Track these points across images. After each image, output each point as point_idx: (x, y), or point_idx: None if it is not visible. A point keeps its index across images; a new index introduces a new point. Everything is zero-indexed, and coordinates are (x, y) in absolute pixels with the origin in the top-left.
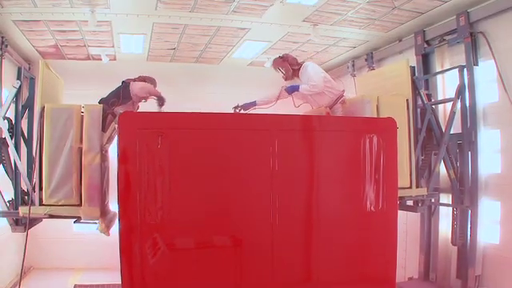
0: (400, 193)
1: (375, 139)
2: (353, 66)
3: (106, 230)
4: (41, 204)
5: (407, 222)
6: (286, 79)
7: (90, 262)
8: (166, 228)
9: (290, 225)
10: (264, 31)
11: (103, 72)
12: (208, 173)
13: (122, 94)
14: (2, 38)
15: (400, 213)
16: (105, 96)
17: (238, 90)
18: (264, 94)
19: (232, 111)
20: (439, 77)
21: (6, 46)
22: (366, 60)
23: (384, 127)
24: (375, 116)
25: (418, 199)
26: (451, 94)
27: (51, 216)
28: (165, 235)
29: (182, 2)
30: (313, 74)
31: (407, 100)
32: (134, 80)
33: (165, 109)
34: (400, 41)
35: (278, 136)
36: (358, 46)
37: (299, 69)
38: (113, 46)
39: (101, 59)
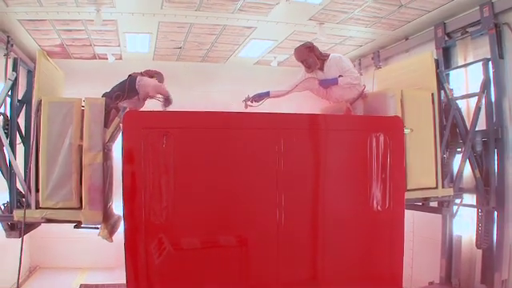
0: (425, 193)
1: (382, 138)
2: (359, 64)
3: (109, 236)
4: (37, 207)
5: (414, 222)
6: (310, 72)
7: (96, 261)
8: (172, 228)
9: (296, 224)
10: (270, 30)
11: (109, 71)
12: (213, 172)
13: (127, 87)
14: (8, 37)
15: (407, 212)
16: (109, 91)
17: (245, 88)
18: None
19: (242, 104)
20: (460, 71)
21: (12, 45)
22: (372, 59)
23: (391, 126)
24: (399, 112)
25: (444, 200)
26: (474, 88)
27: (49, 220)
28: (170, 235)
29: (188, 1)
30: (351, 66)
31: (432, 94)
32: (142, 74)
33: (169, 109)
34: (407, 39)
35: (284, 135)
36: (364, 44)
37: (323, 60)
38: (119, 45)
39: (107, 58)
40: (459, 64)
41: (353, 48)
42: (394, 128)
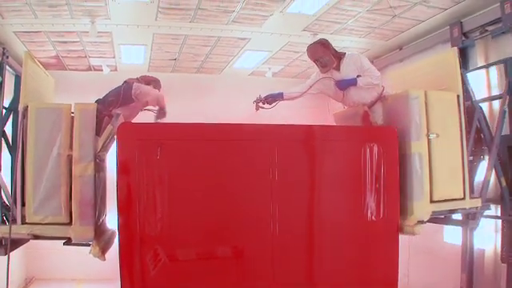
0: (453, 205)
1: (376, 149)
2: None
3: (101, 254)
4: (23, 222)
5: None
6: (325, 71)
7: (92, 272)
8: (166, 239)
9: (290, 235)
10: (264, 41)
11: (104, 82)
12: (208, 183)
13: (122, 94)
14: (3, 49)
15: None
16: (102, 97)
17: (240, 100)
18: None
19: (253, 105)
20: (479, 72)
21: (7, 57)
22: None
23: (385, 136)
24: (424, 115)
25: (471, 212)
26: (494, 91)
27: (36, 237)
28: (165, 246)
29: (182, 13)
30: (371, 66)
31: (458, 96)
32: (138, 80)
33: (162, 121)
34: (401, 49)
35: (278, 146)
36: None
37: (339, 59)
38: (114, 57)
39: (102, 70)
40: (479, 65)
41: None
42: (387, 138)
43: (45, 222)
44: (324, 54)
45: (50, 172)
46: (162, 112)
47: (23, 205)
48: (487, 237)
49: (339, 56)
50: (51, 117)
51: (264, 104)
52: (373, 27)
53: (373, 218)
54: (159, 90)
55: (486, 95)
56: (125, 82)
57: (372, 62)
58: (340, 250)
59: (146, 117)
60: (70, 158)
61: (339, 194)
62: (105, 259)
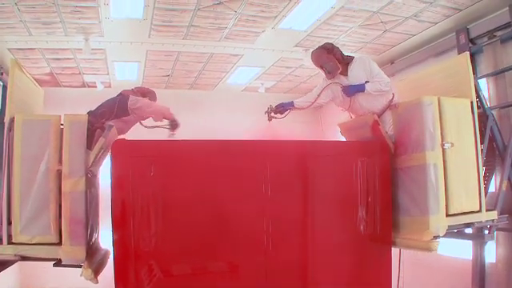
0: (468, 218)
1: (368, 163)
2: None
3: (94, 276)
4: (9, 242)
5: None
6: (331, 77)
7: (88, 283)
8: (161, 254)
9: (283, 250)
10: (257, 57)
11: (98, 99)
12: (201, 199)
13: (117, 107)
14: (1, 68)
15: None
16: (94, 109)
17: (233, 115)
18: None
19: (265, 116)
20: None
21: (2, 73)
22: None
23: (377, 150)
24: (438, 123)
25: (486, 225)
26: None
27: (23, 258)
28: (159, 262)
29: (175, 30)
30: (380, 71)
31: (471, 103)
32: (134, 91)
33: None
34: (392, 63)
35: (271, 162)
36: None
37: (347, 64)
38: (107, 74)
39: (96, 86)
40: (489, 71)
41: None
42: (379, 152)
43: (33, 242)
44: (328, 60)
45: (37, 188)
46: (173, 124)
47: (9, 223)
48: (498, 249)
49: (347, 60)
50: (39, 129)
51: (276, 114)
52: (364, 42)
53: (365, 232)
54: (155, 101)
55: (495, 102)
56: (120, 94)
57: None
58: (333, 264)
59: (138, 131)
60: (59, 173)
61: (332, 209)
62: (97, 282)
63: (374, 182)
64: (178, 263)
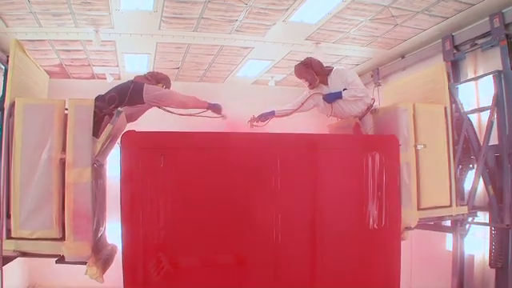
0: (439, 212)
1: (378, 157)
2: None
3: (100, 274)
4: (9, 237)
5: (412, 240)
6: (311, 88)
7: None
8: (170, 247)
9: (293, 243)
10: (267, 50)
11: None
12: (211, 191)
13: (130, 94)
14: (7, 56)
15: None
16: (104, 93)
17: (243, 108)
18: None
19: (248, 125)
20: (469, 84)
21: None
22: (372, 76)
23: (387, 144)
24: (412, 126)
25: (458, 219)
26: (484, 103)
27: (24, 254)
28: (168, 254)
29: (185, 22)
30: (356, 78)
31: (445, 108)
32: (147, 78)
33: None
34: (403, 57)
35: (281, 154)
36: (361, 63)
37: (327, 75)
38: (117, 66)
39: (105, 78)
40: (470, 77)
41: (350, 67)
42: (389, 146)
43: (33, 236)
44: (307, 74)
45: (39, 179)
46: (215, 108)
47: (8, 217)
48: (477, 243)
49: (326, 72)
50: (41, 114)
51: (258, 123)
52: (375, 36)
53: (375, 225)
54: (169, 87)
55: (475, 107)
56: (133, 82)
57: (378, 70)
58: (342, 257)
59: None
60: (62, 163)
61: (342, 202)
62: (103, 281)
63: (383, 175)
64: (187, 256)
